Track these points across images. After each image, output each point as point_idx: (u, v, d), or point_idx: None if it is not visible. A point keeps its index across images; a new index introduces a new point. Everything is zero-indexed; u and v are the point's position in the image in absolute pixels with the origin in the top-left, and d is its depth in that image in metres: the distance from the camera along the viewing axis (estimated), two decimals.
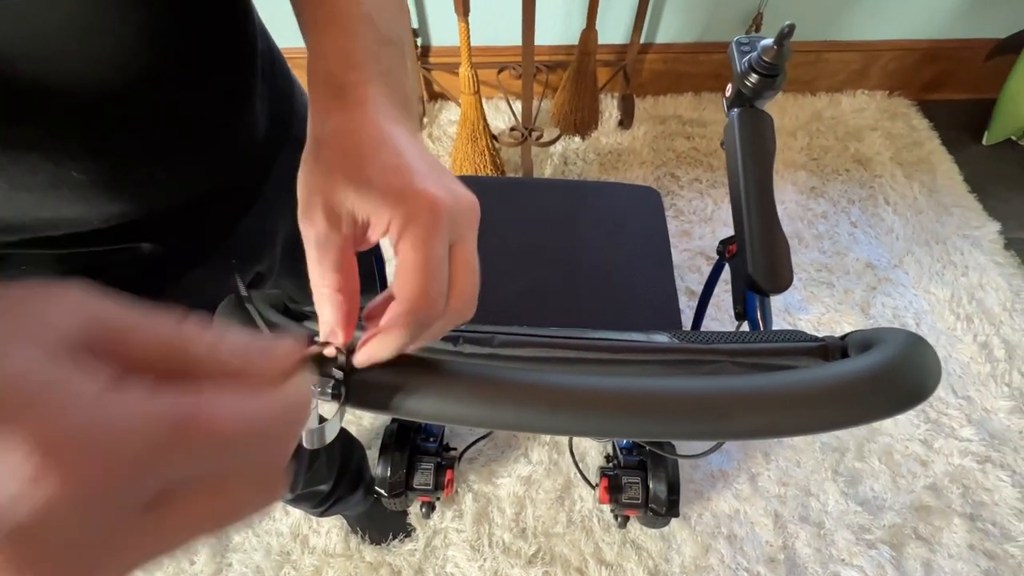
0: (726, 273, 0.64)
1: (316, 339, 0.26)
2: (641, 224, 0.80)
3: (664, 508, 0.86)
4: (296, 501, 0.81)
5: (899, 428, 1.09)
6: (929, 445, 1.06)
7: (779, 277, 0.52)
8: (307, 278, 0.23)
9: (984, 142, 1.53)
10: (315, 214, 0.22)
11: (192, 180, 0.36)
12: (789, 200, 1.41)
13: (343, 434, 0.89)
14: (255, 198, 0.43)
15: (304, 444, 0.24)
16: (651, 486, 0.87)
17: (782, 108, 1.58)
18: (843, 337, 0.33)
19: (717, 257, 0.63)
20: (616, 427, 0.25)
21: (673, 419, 0.24)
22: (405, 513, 1.00)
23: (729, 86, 0.64)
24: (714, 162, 1.47)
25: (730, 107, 0.63)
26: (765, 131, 0.59)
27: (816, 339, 0.33)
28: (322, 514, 0.90)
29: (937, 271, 1.29)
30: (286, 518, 1.00)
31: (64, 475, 0.11)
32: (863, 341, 0.31)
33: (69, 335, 0.13)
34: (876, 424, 1.09)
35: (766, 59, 0.58)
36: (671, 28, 1.48)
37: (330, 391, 0.25)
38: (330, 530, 0.99)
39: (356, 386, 0.25)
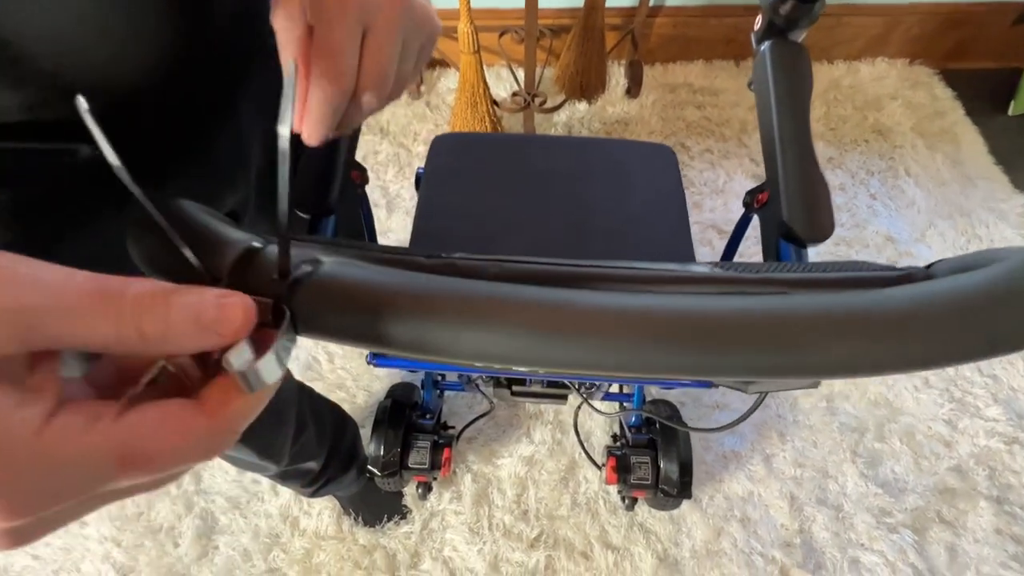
0: (752, 231, 0.57)
1: (254, 245, 0.19)
2: (655, 182, 0.74)
3: (676, 489, 0.81)
4: (284, 479, 0.75)
5: (921, 408, 1.03)
6: (953, 425, 1.01)
7: (819, 223, 0.46)
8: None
9: (1010, 112, 1.45)
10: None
11: (145, 57, 0.29)
12: None
13: (335, 411, 0.84)
14: (227, 112, 0.36)
15: (243, 388, 0.17)
16: (662, 466, 0.81)
17: None
18: (928, 267, 0.26)
19: (744, 209, 0.57)
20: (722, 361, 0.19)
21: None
22: (400, 494, 0.95)
23: (758, 18, 0.57)
24: (726, 132, 1.40)
25: (759, 41, 0.56)
26: (801, 65, 0.52)
27: (895, 268, 0.27)
28: (313, 494, 0.85)
29: (962, 245, 1.22)
30: (275, 499, 0.95)
31: (9, 516, 0.13)
32: (960, 266, 0.25)
33: (3, 354, 0.13)
34: (897, 403, 1.03)
35: None
36: None
37: (268, 317, 0.18)
38: (321, 511, 0.94)
39: (305, 301, 0.19)
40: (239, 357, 0.16)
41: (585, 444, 0.97)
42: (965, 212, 1.27)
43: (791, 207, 0.47)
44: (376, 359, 0.57)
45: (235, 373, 0.16)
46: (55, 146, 0.28)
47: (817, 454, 0.99)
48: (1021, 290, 0.19)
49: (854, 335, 0.19)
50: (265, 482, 0.96)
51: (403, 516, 0.94)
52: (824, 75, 1.49)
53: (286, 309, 0.18)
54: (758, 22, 0.57)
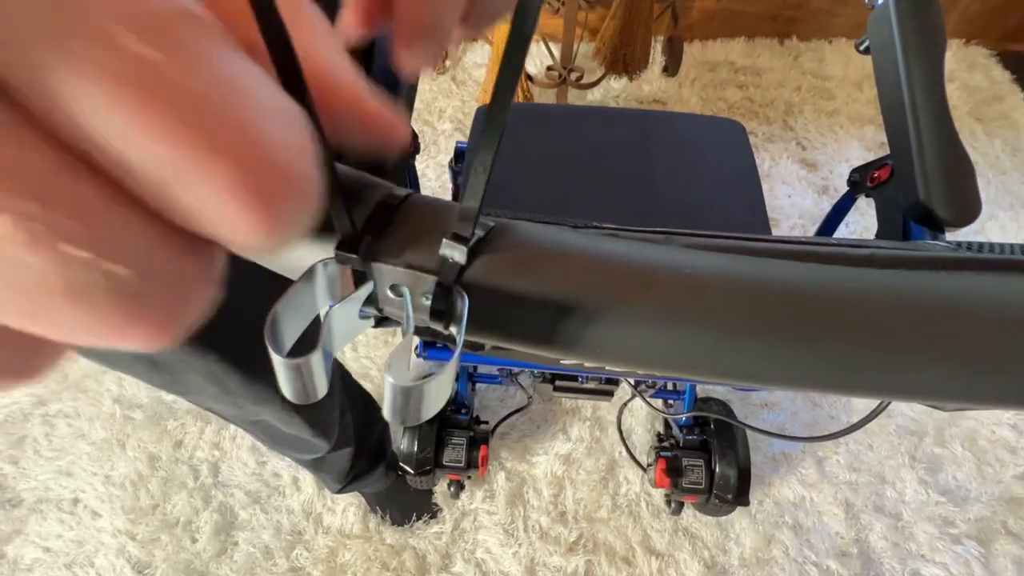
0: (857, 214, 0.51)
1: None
2: (726, 159, 0.67)
3: (732, 495, 0.75)
4: (320, 468, 0.71)
5: (983, 412, 0.96)
6: (1020, 431, 0.94)
7: (965, 202, 0.39)
8: None
9: None
10: None
11: None
12: (855, 157, 1.26)
13: (366, 397, 0.78)
14: None
15: (385, 412, 0.11)
16: (717, 470, 0.75)
17: (847, 57, 1.41)
18: None
19: (848, 188, 0.50)
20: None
21: None
22: (431, 492, 0.90)
23: None
24: (771, 114, 1.32)
25: None
26: (935, 17, 0.45)
27: None
28: (340, 490, 0.80)
29: (1021, 240, 1.14)
30: (297, 494, 0.90)
31: None
32: None
33: None
34: None
35: None
36: None
37: (428, 302, 0.12)
38: (346, 508, 0.89)
39: (482, 299, 0.12)
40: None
41: (627, 442, 0.91)
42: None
43: (931, 184, 0.40)
44: (428, 351, 0.51)
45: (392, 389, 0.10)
46: None
47: (873, 458, 0.93)
48: None
49: None
50: (286, 475, 0.91)
51: (433, 515, 0.88)
52: None
53: (456, 301, 0.11)
54: None
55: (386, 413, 0.11)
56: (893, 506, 0.89)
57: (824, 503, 0.89)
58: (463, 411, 0.82)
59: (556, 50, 1.21)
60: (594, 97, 1.32)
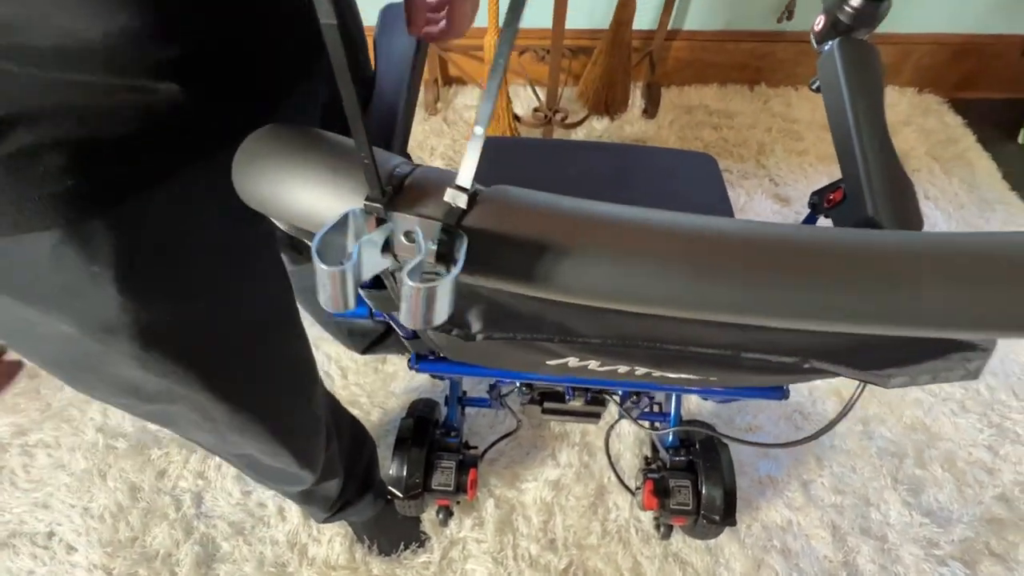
0: None
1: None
2: (700, 192, 0.72)
3: (719, 515, 0.76)
4: (308, 500, 0.70)
5: (960, 433, 0.99)
6: (995, 452, 0.97)
7: (908, 217, 0.43)
8: None
9: (1020, 141, 1.47)
10: None
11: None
12: None
13: (355, 424, 0.78)
14: (304, 69, 0.34)
15: (401, 318, 0.14)
16: (704, 490, 0.76)
17: (812, 103, 1.51)
18: None
19: (809, 209, 0.54)
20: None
21: None
22: (418, 520, 0.89)
23: (820, 18, 0.56)
24: (744, 153, 1.40)
25: (822, 41, 0.55)
26: (873, 60, 0.51)
27: None
28: (327, 519, 0.79)
29: None
30: (282, 524, 0.88)
31: None
32: None
33: None
34: (935, 428, 1.00)
35: None
36: (698, 15, 1.42)
37: (435, 246, 0.15)
38: (332, 539, 0.87)
39: (480, 240, 0.15)
40: None
41: (616, 467, 0.91)
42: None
43: (877, 201, 0.44)
44: (421, 363, 0.53)
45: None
46: (133, 82, 0.24)
47: (857, 480, 0.94)
48: None
49: None
50: (271, 505, 0.90)
51: (421, 544, 0.87)
52: None
53: (457, 246, 0.14)
54: (819, 23, 0.56)
55: (403, 317, 0.13)
56: (879, 528, 0.90)
57: (811, 526, 0.90)
58: (452, 434, 0.82)
59: (542, 93, 1.28)
60: (578, 136, 1.39)
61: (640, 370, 0.38)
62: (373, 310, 0.43)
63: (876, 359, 0.29)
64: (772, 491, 0.93)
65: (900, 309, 0.15)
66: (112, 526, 0.87)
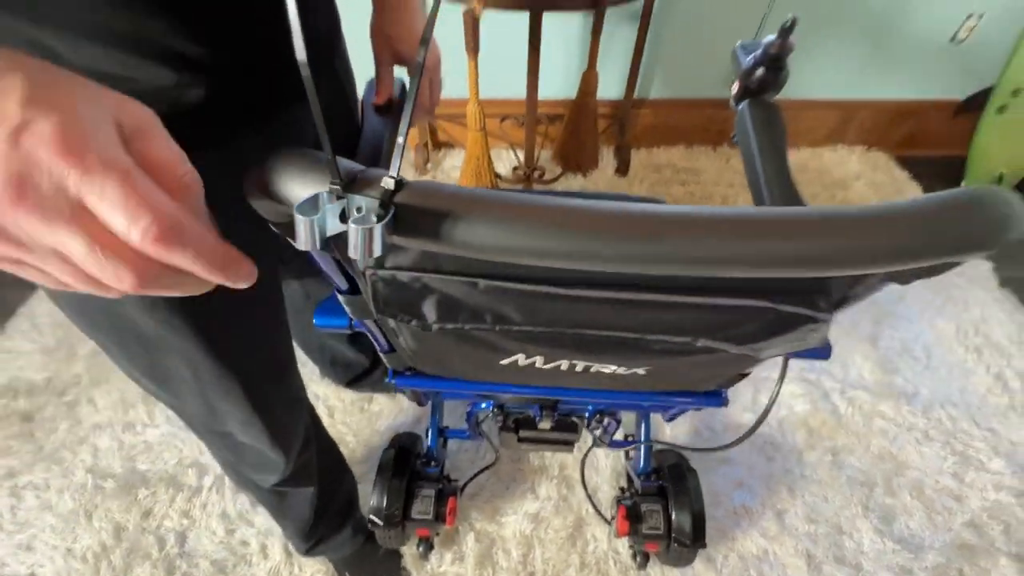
0: None
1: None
2: None
3: (689, 538, 0.78)
4: (281, 510, 0.72)
5: (926, 461, 1.03)
6: (960, 479, 1.00)
7: None
8: None
9: None
10: None
11: (246, 22, 0.35)
12: None
13: (335, 450, 0.82)
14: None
15: (350, 253, 0.21)
16: (674, 514, 0.79)
17: None
18: None
19: None
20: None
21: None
22: (399, 554, 0.90)
23: (735, 83, 0.67)
24: (710, 204, 1.52)
25: (737, 102, 0.65)
26: (776, 118, 0.61)
27: None
28: (307, 552, 0.80)
29: (939, 306, 1.29)
30: (264, 562, 0.89)
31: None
32: None
33: (126, 125, 0.22)
34: (901, 456, 1.03)
35: (771, 52, 0.61)
36: (660, 86, 1.59)
37: (374, 216, 0.22)
38: (314, 575, 0.88)
39: (404, 211, 0.22)
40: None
41: (593, 498, 0.94)
42: (938, 277, 1.35)
43: None
44: (398, 378, 0.59)
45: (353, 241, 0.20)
46: (162, 83, 0.32)
47: (829, 509, 0.96)
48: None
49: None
50: (254, 543, 0.91)
51: None
52: (792, 159, 1.65)
53: (389, 214, 0.22)
54: (735, 88, 0.67)
55: (351, 251, 0.20)
56: (853, 556, 0.91)
57: (786, 555, 0.91)
58: (432, 464, 0.85)
59: (521, 155, 1.41)
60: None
61: (579, 364, 0.44)
62: (352, 320, 0.49)
63: (746, 335, 0.36)
64: (747, 521, 0.95)
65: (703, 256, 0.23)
66: (94, 566, 0.88)
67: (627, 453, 0.89)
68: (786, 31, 0.58)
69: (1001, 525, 0.95)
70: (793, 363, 1.15)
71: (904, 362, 1.18)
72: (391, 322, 0.41)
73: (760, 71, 0.63)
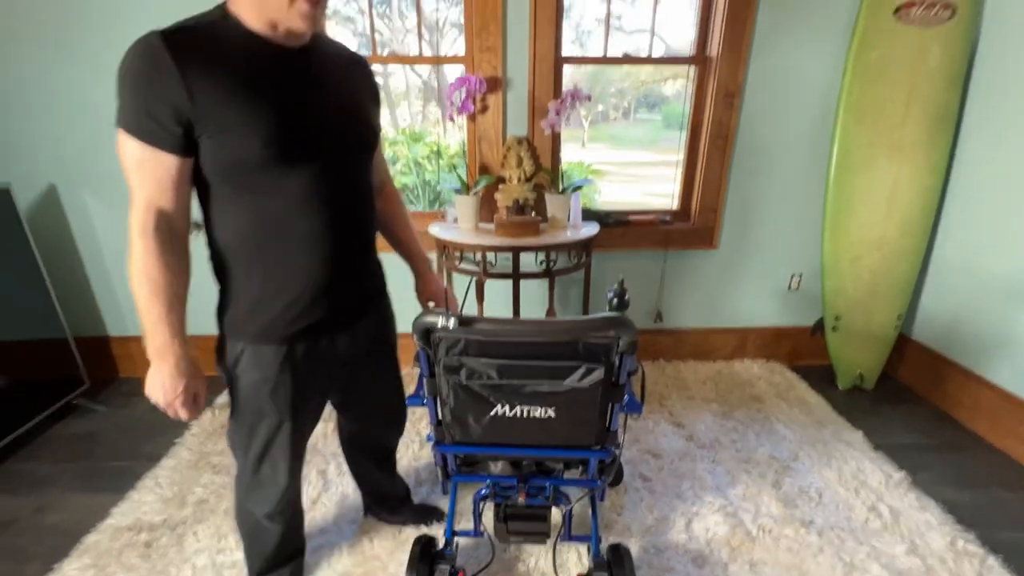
0: None
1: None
2: None
3: None
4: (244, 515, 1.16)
5: (822, 569, 1.33)
6: None
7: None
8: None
9: (840, 387, 2.19)
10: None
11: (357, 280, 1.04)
12: (709, 421, 1.95)
13: (299, 533, 1.24)
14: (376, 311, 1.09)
15: (441, 323, 0.84)
16: None
17: (694, 369, 2.29)
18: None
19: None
20: None
21: None
22: None
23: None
24: (651, 399, 2.08)
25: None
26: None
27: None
28: None
29: (825, 462, 1.72)
30: None
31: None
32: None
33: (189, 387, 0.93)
34: (804, 566, 1.35)
35: (614, 301, 1.32)
36: None
37: (454, 319, 0.85)
38: None
39: (461, 320, 0.85)
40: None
41: None
42: (823, 442, 1.82)
43: None
44: (439, 446, 1.08)
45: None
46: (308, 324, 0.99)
47: None
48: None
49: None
50: None
51: None
52: (711, 368, 2.29)
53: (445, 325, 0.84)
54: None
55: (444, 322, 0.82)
56: None
57: None
58: (448, 549, 1.22)
59: None
60: None
61: (524, 411, 0.98)
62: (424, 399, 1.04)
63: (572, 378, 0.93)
64: None
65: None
66: None
67: (589, 547, 1.25)
68: (620, 293, 1.29)
69: None
70: (716, 500, 1.54)
71: (801, 499, 1.56)
72: (444, 388, 0.97)
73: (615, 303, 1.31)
